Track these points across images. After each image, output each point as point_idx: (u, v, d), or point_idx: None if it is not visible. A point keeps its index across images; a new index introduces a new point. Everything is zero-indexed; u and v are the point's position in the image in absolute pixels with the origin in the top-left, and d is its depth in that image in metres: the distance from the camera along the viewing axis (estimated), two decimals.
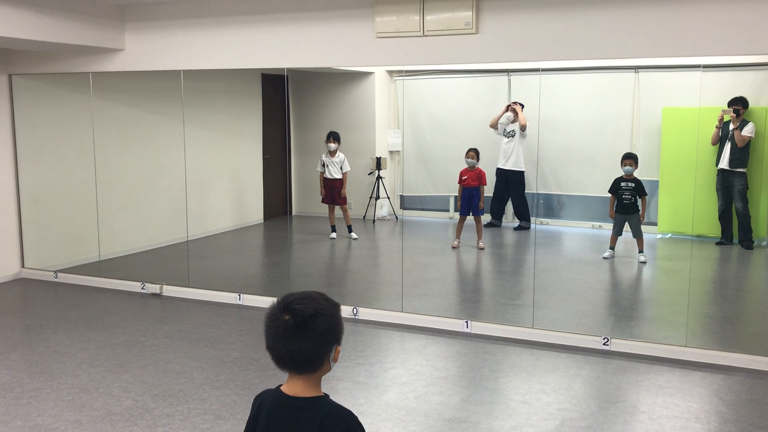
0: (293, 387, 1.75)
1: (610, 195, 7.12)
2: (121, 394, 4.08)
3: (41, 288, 6.59)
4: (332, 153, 8.12)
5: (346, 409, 1.74)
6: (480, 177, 7.62)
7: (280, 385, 1.78)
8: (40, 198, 6.94)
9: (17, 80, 6.74)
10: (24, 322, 5.53)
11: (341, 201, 8.23)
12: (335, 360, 1.76)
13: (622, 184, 6.99)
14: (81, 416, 3.79)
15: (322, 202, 8.31)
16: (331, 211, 8.29)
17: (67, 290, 6.49)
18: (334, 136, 8.15)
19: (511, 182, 8.15)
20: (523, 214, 8.28)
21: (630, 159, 6.99)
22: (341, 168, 8.15)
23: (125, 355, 4.73)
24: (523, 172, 8.10)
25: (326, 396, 1.76)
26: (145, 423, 3.71)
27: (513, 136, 8.05)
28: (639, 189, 6.95)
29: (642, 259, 7.02)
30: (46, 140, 6.90)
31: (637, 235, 6.99)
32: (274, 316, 1.72)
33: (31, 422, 3.73)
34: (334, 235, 8.25)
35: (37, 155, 6.87)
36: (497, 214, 8.40)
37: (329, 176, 8.17)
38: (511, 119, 8.03)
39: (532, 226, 8.36)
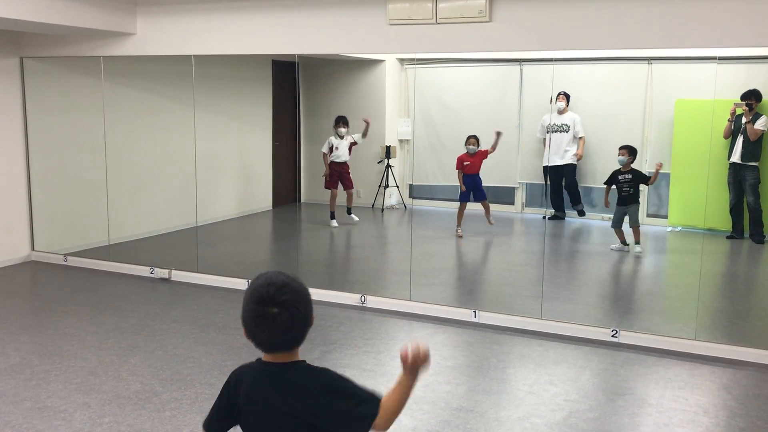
0: (275, 356, 1.82)
1: (605, 186, 7.04)
2: (129, 378, 4.09)
3: (51, 271, 6.62)
4: (342, 137, 8.03)
5: (323, 367, 1.85)
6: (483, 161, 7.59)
7: (259, 358, 1.86)
8: (50, 181, 6.95)
9: (28, 63, 6.74)
10: (33, 305, 5.56)
11: (350, 184, 8.08)
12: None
13: (620, 176, 6.85)
14: (89, 399, 3.81)
15: (326, 186, 8.07)
16: (334, 197, 8.07)
17: (77, 273, 6.52)
18: (343, 121, 8.01)
19: (567, 175, 8.09)
20: (578, 200, 8.27)
21: (624, 149, 6.80)
22: (350, 145, 7.99)
23: (134, 338, 4.75)
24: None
25: (303, 360, 1.85)
26: (153, 407, 3.73)
27: (566, 131, 7.95)
28: (639, 178, 6.81)
29: (638, 250, 6.90)
30: (57, 123, 6.91)
31: (635, 224, 6.86)
32: (260, 311, 1.74)
33: (40, 404, 3.75)
34: (335, 223, 8.08)
35: (47, 138, 6.88)
36: (560, 206, 8.29)
37: (337, 159, 8.00)
38: (561, 109, 7.92)
39: (541, 216, 8.35)
